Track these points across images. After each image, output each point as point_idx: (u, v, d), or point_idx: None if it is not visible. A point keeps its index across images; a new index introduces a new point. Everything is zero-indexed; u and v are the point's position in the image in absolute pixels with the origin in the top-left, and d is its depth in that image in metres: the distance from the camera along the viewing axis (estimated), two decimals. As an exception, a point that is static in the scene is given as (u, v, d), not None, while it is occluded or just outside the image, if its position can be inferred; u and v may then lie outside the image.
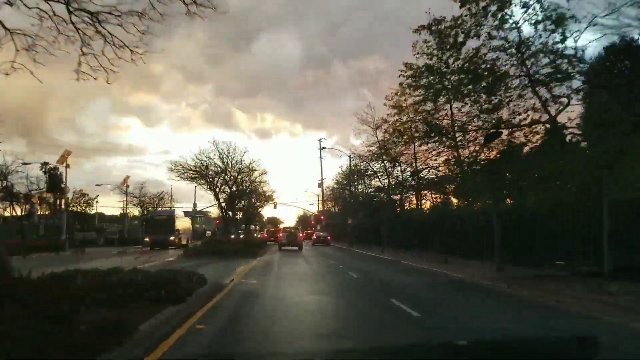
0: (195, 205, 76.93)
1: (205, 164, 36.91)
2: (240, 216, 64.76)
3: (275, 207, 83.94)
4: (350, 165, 54.35)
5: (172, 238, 41.78)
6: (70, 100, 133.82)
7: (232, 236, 46.93)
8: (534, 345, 4.25)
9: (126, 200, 59.84)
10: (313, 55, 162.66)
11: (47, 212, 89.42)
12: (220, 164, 37.20)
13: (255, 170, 40.72)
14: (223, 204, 39.65)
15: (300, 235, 47.47)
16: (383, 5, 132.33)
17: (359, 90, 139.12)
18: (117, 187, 60.64)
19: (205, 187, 38.20)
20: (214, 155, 36.99)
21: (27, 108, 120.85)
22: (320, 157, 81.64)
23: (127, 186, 58.82)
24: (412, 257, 30.04)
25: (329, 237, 55.90)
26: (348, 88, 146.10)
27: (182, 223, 47.39)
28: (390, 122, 42.01)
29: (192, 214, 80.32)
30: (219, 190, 38.40)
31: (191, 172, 36.90)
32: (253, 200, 52.73)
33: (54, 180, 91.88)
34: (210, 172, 37.19)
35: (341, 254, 37.78)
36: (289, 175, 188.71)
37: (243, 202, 52.10)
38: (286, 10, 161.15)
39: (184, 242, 44.31)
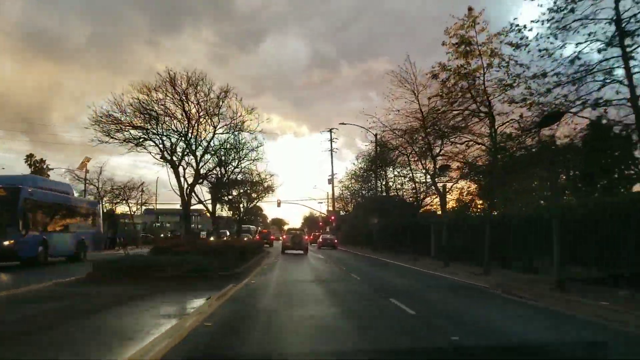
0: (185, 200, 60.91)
1: (152, 112, 19.77)
2: (240, 213, 48.36)
3: (279, 205, 68.76)
4: (376, 147, 38.12)
5: (7, 243, 18.28)
6: (76, 98, 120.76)
7: (212, 238, 30.83)
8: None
9: (85, 189, 43.72)
10: (319, 56, 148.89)
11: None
12: (179, 112, 20.10)
13: (245, 130, 23.46)
14: (186, 186, 22.19)
15: (306, 237, 40.07)
16: (390, 6, 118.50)
17: (365, 92, 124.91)
18: (69, 170, 44.29)
19: (158, 157, 21.03)
20: (167, 96, 19.91)
21: (32, 106, 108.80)
22: (332, 150, 66.43)
23: (87, 171, 42.73)
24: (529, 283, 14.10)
25: (335, 240, 49.52)
26: (354, 89, 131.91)
27: (59, 210, 21.84)
28: (452, 69, 25.95)
29: (183, 213, 63.97)
30: (180, 161, 21.44)
31: (127, 126, 19.78)
32: (247, 190, 36.40)
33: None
34: (160, 130, 20.16)
35: (381, 270, 21.59)
36: (295, 175, 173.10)
37: (239, 191, 35.88)
38: (292, 10, 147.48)
39: (70, 247, 22.33)
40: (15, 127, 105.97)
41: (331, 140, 66.41)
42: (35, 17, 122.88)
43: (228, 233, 44.11)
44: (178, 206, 61.93)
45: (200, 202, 28.73)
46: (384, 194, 41.55)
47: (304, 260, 27.90)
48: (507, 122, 18.32)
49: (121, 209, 49.84)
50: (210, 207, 32.28)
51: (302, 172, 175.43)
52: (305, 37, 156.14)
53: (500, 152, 16.57)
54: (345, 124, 40.97)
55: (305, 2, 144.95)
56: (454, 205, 37.62)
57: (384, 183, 39.58)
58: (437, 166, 32.59)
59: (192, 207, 57.47)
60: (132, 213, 47.83)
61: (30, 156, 76.35)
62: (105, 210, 44.56)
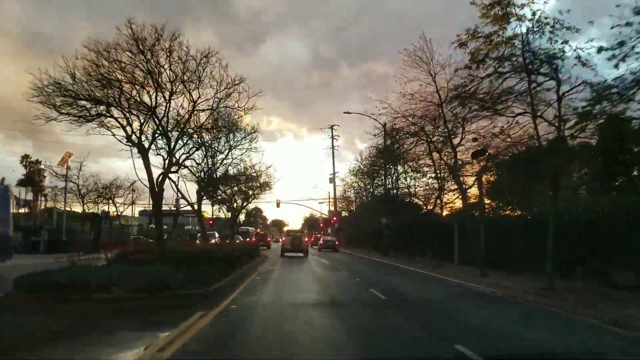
0: (177, 200, 55.79)
1: (112, 79, 14.58)
2: (235, 212, 43.14)
3: (278, 205, 64.51)
4: (385, 138, 33.26)
5: None
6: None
7: (198, 241, 25.99)
8: None
9: (65, 187, 38.77)
10: (319, 57, 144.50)
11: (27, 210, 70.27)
12: (143, 76, 14.86)
13: (233, 106, 18.11)
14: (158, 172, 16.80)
15: (306, 239, 37.69)
16: (390, 7, 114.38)
17: (364, 93, 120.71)
18: (47, 166, 39.25)
19: (124, 141, 15.90)
20: (132, 56, 14.62)
21: (32, 108, 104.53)
22: (333, 147, 61.84)
23: (68, 168, 37.73)
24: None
25: (337, 242, 46.35)
26: (354, 90, 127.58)
27: None
28: (483, 35, 21.18)
29: (175, 213, 58.45)
30: (151, 144, 16.19)
31: (80, 99, 14.70)
32: (242, 185, 31.50)
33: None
34: (123, 103, 15.01)
35: (406, 283, 16.59)
36: (295, 177, 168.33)
37: (231, 187, 31.05)
38: (292, 11, 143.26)
39: None
40: (17, 128, 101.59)
41: (332, 137, 61.92)
42: (34, 18, 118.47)
43: (217, 235, 38.95)
44: (171, 207, 56.92)
45: (182, 198, 23.96)
46: (394, 191, 36.62)
47: (306, 267, 23.12)
48: (577, 85, 13.49)
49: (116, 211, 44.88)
50: (206, 207, 27.46)
51: (302, 173, 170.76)
52: (305, 39, 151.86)
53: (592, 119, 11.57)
54: (349, 112, 36.21)
55: (304, 4, 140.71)
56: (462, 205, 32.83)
57: (394, 178, 34.68)
58: (456, 157, 27.87)
59: (183, 208, 52.37)
60: (120, 213, 42.80)
61: (25, 157, 72.24)
62: (88, 211, 39.64)
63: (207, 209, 71.21)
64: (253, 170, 28.68)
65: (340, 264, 25.70)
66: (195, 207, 26.12)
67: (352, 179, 50.12)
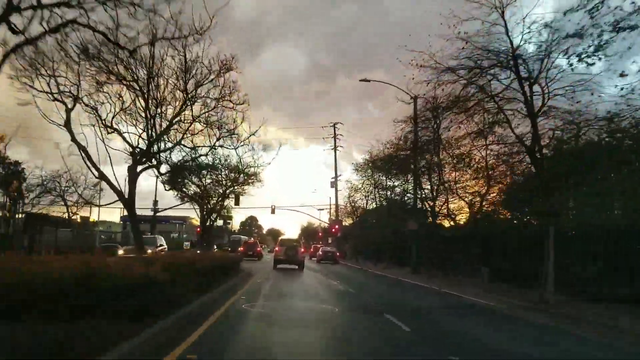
0: (156, 202, 45.37)
1: None
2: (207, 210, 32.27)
3: (273, 212, 55.24)
4: (415, 114, 23.13)
5: None
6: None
7: (121, 252, 15.70)
8: None
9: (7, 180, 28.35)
10: (316, 67, 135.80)
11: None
12: None
13: None
14: None
15: (302, 250, 31.97)
16: (388, 18, 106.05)
17: (364, 103, 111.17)
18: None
19: None
20: None
21: (28, 114, 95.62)
22: (335, 148, 52.61)
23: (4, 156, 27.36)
24: None
25: (337, 254, 41.28)
26: (352, 100, 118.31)
27: None
28: None
29: (152, 218, 47.28)
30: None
31: None
32: (221, 177, 21.36)
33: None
34: None
35: None
36: (292, 187, 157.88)
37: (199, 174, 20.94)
38: (291, 21, 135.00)
39: None
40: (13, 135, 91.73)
41: (335, 136, 52.54)
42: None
43: (162, 243, 26.97)
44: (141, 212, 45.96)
45: (108, 183, 13.67)
46: (429, 190, 26.39)
47: (313, 303, 12.36)
48: None
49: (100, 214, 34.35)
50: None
51: (301, 183, 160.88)
52: (303, 49, 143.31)
53: None
54: (367, 80, 25.87)
55: (302, 14, 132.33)
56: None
57: (433, 166, 24.27)
58: (536, 129, 17.71)
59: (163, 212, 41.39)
60: (72, 214, 32.15)
61: (3, 159, 63.35)
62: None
63: (193, 214, 60.11)
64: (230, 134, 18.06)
65: (366, 293, 15.41)
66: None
67: (361, 177, 40.60)
